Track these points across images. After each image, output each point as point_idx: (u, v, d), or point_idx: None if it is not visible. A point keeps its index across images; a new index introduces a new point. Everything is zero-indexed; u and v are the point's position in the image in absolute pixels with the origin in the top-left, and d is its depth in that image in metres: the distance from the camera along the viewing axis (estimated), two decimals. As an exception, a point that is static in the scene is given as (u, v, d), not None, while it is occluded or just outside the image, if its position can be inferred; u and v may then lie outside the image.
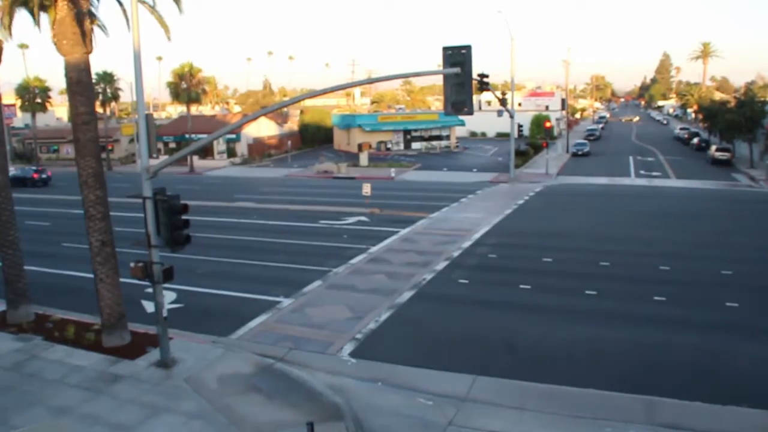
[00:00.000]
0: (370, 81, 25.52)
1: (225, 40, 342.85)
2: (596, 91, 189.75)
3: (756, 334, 17.37)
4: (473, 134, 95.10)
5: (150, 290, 16.34)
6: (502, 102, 49.64)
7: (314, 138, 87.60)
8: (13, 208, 19.40)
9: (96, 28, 17.63)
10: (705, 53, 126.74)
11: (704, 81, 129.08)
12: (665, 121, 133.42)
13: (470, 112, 16.67)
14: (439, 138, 79.29)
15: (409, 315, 19.53)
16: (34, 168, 60.58)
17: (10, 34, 17.41)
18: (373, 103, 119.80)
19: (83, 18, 16.07)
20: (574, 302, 20.23)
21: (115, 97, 72.13)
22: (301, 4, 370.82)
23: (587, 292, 21.12)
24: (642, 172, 54.99)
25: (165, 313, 15.76)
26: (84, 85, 16.32)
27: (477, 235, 30.23)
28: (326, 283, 22.92)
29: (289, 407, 13.63)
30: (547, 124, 65.67)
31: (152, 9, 17.43)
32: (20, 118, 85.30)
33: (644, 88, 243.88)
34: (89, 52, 16.37)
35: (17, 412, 13.52)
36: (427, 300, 20.92)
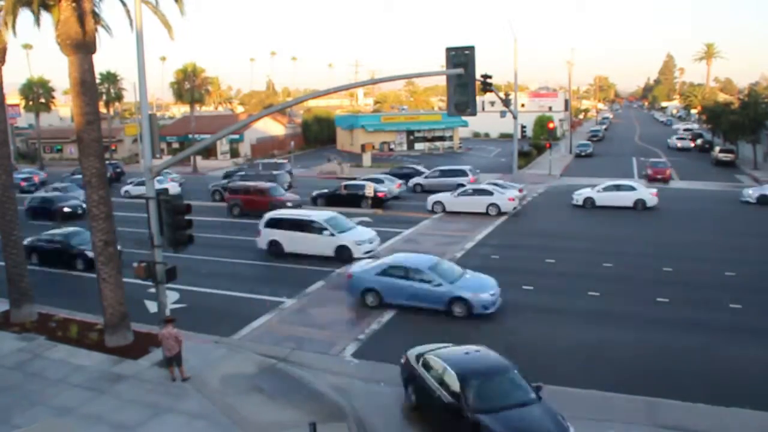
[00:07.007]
0: (374, 81, 25.50)
1: (228, 40, 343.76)
2: (599, 92, 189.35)
3: (759, 335, 17.33)
4: (476, 135, 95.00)
5: (153, 290, 16.38)
6: (505, 103, 49.54)
7: (317, 138, 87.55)
8: (17, 208, 19.45)
9: (100, 29, 17.69)
10: (709, 54, 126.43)
11: (708, 82, 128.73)
12: (668, 123, 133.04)
13: (473, 113, 16.68)
14: (442, 139, 79.18)
15: (412, 316, 19.51)
16: None
17: (14, 33, 17.51)
18: (376, 103, 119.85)
19: (87, 18, 16.10)
20: (577, 303, 20.22)
21: (119, 97, 72.13)
22: (305, 4, 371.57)
23: (590, 293, 21.09)
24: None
25: (168, 313, 15.81)
26: (88, 85, 16.36)
27: (480, 236, 30.21)
28: (329, 284, 22.92)
29: (292, 407, 13.64)
30: (551, 125, 65.50)
31: (155, 9, 17.44)
32: (24, 118, 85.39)
33: (648, 89, 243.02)
34: (93, 52, 16.41)
35: (20, 411, 13.56)
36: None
